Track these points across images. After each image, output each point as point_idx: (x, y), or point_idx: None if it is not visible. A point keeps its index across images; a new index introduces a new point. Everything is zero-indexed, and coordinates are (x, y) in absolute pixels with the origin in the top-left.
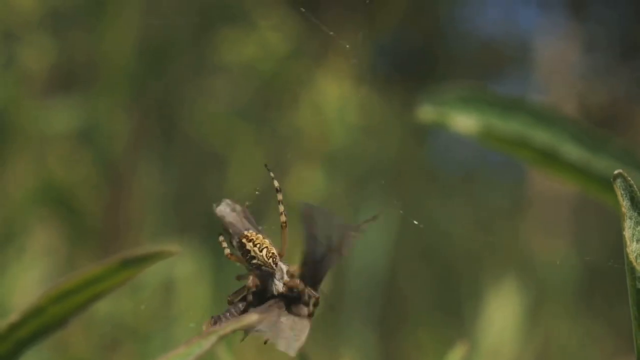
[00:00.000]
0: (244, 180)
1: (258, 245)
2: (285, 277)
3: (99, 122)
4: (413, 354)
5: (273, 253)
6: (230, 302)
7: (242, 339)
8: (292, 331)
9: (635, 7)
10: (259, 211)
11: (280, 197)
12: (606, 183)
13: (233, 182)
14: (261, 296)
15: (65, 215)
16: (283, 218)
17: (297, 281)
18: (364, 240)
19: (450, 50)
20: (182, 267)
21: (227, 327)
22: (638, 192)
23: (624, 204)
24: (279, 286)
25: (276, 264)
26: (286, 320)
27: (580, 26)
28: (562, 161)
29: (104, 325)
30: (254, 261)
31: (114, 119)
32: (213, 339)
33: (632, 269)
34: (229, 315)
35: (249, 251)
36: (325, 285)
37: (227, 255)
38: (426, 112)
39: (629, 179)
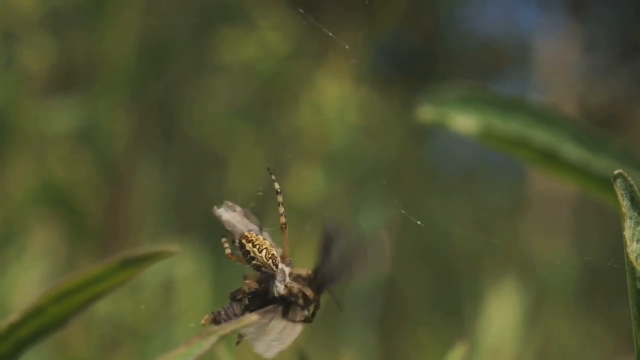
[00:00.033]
0: (244, 181)
1: (258, 246)
2: (287, 280)
3: (99, 122)
4: (413, 354)
5: (273, 254)
6: (233, 298)
7: (238, 343)
8: (278, 335)
9: (635, 7)
10: (259, 212)
11: (280, 199)
12: (606, 183)
13: (233, 182)
14: (263, 298)
15: (65, 215)
16: (283, 219)
17: (295, 285)
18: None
19: (450, 50)
20: (182, 267)
21: (227, 327)
22: (638, 192)
23: (624, 204)
24: (279, 288)
25: (276, 266)
26: (276, 324)
27: (580, 26)
28: (562, 161)
29: (104, 325)
30: (254, 262)
31: (114, 119)
32: (213, 339)
33: (632, 269)
34: (229, 310)
35: (248, 252)
36: (335, 290)
37: (227, 255)
38: (426, 112)
39: (629, 179)
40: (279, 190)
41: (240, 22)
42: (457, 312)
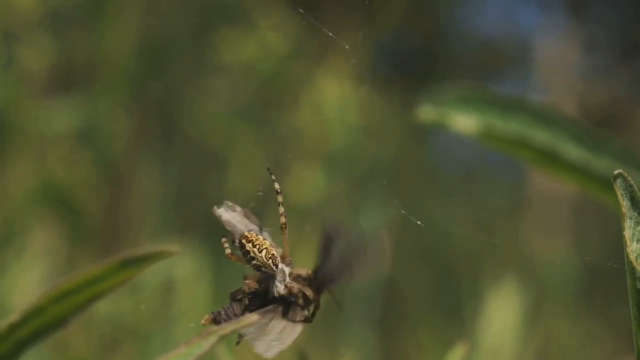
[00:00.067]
0: (244, 181)
1: (257, 246)
2: (287, 280)
3: (99, 122)
4: (413, 354)
5: (273, 254)
6: (233, 298)
7: (238, 343)
8: (278, 335)
9: (635, 7)
10: (259, 212)
11: (280, 199)
12: (606, 183)
13: (233, 182)
14: (263, 298)
15: (65, 215)
16: (283, 219)
17: (295, 285)
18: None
19: (450, 50)
20: (182, 267)
21: (227, 327)
22: (638, 192)
23: (624, 204)
24: (280, 288)
25: (276, 266)
26: (276, 324)
27: (580, 26)
28: (562, 161)
29: (104, 325)
30: (254, 262)
31: (114, 119)
32: (213, 339)
33: (632, 269)
34: (229, 310)
35: (248, 252)
36: (335, 290)
37: (227, 255)
38: (426, 112)
39: (629, 179)
40: (279, 190)
41: (240, 22)
42: (457, 312)
